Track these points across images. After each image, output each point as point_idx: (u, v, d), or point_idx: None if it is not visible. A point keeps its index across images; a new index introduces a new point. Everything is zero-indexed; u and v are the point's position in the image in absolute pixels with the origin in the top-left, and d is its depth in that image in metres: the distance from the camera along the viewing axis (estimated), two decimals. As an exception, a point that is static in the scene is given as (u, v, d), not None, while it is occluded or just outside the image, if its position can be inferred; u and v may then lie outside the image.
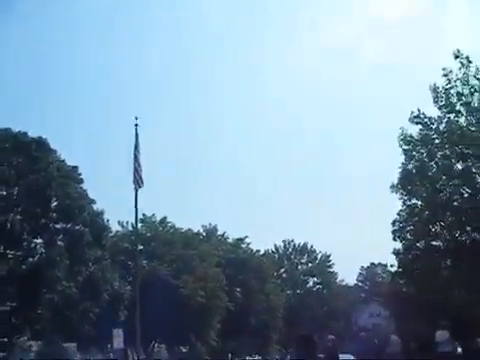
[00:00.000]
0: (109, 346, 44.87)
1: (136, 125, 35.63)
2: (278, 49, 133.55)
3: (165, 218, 65.39)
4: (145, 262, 59.42)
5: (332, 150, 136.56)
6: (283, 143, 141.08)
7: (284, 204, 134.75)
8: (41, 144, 44.18)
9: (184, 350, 67.95)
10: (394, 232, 43.54)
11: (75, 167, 45.78)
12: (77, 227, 43.15)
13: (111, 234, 50.28)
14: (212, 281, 61.72)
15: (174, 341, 63.11)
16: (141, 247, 64.35)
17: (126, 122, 41.48)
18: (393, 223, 45.95)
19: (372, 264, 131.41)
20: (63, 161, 45.23)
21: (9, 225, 42.45)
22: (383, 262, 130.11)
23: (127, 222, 63.19)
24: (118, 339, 34.81)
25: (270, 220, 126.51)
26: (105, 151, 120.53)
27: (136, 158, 35.96)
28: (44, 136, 44.88)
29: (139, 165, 35.98)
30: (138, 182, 35.61)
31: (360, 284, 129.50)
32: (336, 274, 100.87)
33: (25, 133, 44.34)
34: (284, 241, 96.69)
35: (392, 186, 38.63)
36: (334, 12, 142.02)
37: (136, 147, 35.87)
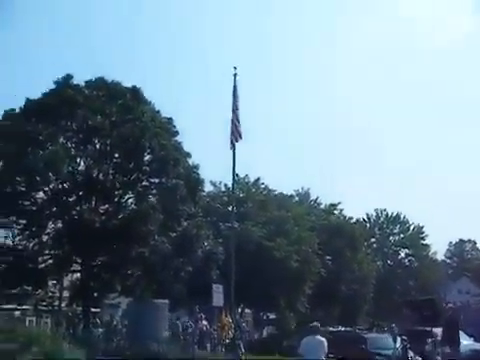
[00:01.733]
0: (197, 307, 42.13)
1: (235, 75, 32.58)
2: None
3: (258, 179, 62.28)
4: (237, 224, 56.62)
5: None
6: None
7: (378, 171, 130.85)
8: (135, 94, 41.32)
9: (271, 316, 64.96)
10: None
11: (170, 119, 42.81)
12: (172, 180, 40.04)
13: (203, 193, 47.02)
14: (306, 245, 58.31)
15: (263, 306, 60.19)
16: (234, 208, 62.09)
17: (225, 74, 37.92)
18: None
19: (461, 240, 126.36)
20: (158, 112, 42.29)
21: (102, 177, 39.96)
22: (472, 238, 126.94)
23: (220, 182, 60.56)
24: (218, 296, 31.63)
25: (363, 188, 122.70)
26: (202, 104, 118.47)
27: (234, 111, 32.86)
28: (138, 85, 42.03)
29: (237, 119, 32.84)
30: (235, 137, 32.52)
31: (448, 260, 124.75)
32: (429, 247, 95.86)
33: (119, 82, 41.57)
34: (376, 210, 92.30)
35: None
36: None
37: (234, 99, 32.75)
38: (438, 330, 30.74)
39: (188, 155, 42.64)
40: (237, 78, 32.01)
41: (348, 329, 57.64)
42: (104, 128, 38.97)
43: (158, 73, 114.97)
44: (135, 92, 41.27)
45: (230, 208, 61.99)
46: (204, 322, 42.29)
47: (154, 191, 41.15)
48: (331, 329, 69.26)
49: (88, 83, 40.86)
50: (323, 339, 17.92)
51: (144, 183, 41.39)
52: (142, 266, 39.35)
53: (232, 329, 37.32)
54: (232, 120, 32.76)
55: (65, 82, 39.94)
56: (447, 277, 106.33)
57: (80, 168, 40.00)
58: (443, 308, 38.20)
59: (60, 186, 39.17)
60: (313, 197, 74.78)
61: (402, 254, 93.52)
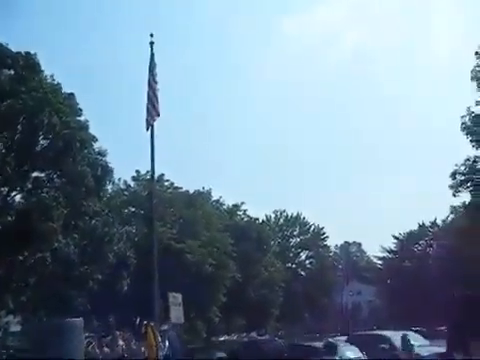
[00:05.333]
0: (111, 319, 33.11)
1: (151, 43, 24.99)
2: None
3: (162, 175, 53.47)
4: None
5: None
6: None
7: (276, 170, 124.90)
8: (28, 61, 31.91)
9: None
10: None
11: (71, 94, 33.55)
12: (77, 167, 30.87)
13: (109, 187, 38.03)
14: (220, 247, 50.26)
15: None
16: (133, 209, 53.32)
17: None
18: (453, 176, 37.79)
19: (346, 242, 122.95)
20: (58, 85, 32.91)
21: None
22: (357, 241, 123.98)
23: (119, 179, 51.19)
24: (177, 310, 22.86)
25: (261, 188, 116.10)
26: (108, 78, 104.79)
27: (150, 85, 25.19)
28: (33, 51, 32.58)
29: (155, 94, 25.17)
30: (152, 115, 24.82)
31: (335, 263, 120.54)
32: (329, 248, 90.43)
33: (6, 46, 31.98)
34: (275, 211, 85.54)
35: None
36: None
37: (151, 71, 25.08)
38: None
39: (94, 139, 33.55)
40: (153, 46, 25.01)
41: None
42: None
43: (53, 39, 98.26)
44: (29, 59, 31.83)
45: (132, 207, 54.21)
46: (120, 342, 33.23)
47: (55, 179, 31.64)
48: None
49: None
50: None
51: (39, 172, 31.92)
52: (39, 276, 30.03)
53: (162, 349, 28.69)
54: (148, 95, 25.22)
55: None
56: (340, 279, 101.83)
57: None
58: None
59: None
60: (215, 197, 66.62)
61: (303, 256, 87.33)
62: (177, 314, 22.33)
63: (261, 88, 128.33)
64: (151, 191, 31.43)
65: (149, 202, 48.94)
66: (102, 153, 33.83)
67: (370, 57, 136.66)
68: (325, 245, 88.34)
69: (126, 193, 52.61)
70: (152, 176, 28.74)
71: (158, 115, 25.28)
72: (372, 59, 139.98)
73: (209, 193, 64.28)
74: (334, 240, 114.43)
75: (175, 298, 22.81)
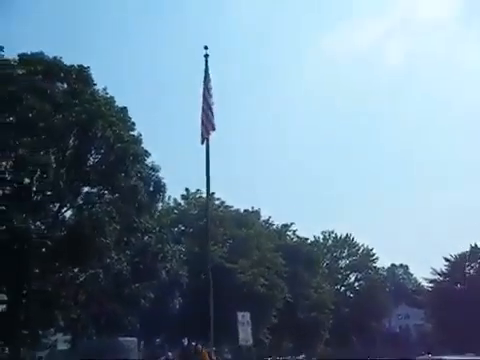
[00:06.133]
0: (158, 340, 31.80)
1: (206, 56, 23.77)
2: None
3: (213, 194, 52.21)
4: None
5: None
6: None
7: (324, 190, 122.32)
8: (81, 74, 31.02)
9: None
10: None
11: (124, 108, 32.52)
12: (131, 181, 29.68)
13: (160, 205, 36.78)
14: (272, 267, 48.72)
15: (221, 340, 49.92)
16: (183, 227, 52.14)
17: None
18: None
19: (393, 265, 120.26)
20: (111, 98, 31.89)
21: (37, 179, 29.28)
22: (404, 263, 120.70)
23: (169, 197, 50.16)
24: (245, 330, 21.38)
25: (309, 208, 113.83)
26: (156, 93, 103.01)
27: (205, 98, 23.99)
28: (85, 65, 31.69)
29: (209, 107, 23.98)
30: (207, 128, 23.59)
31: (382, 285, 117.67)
32: (379, 270, 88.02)
33: (60, 59, 31.14)
34: (323, 232, 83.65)
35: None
36: None
37: (206, 84, 23.88)
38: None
39: (147, 153, 32.42)
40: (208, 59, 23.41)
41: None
42: (44, 113, 28.38)
43: (105, 54, 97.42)
44: (82, 72, 30.96)
45: (181, 226, 53.03)
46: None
47: (107, 194, 30.47)
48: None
49: (22, 58, 30.18)
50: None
51: (91, 187, 30.78)
52: (90, 293, 28.84)
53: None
54: (203, 108, 23.92)
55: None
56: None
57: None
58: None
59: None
60: (264, 217, 65.10)
61: (352, 278, 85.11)
62: (245, 335, 20.84)
63: (309, 107, 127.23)
64: (206, 208, 29.91)
65: (201, 220, 48.39)
66: (155, 168, 32.73)
67: (416, 69, 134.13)
68: (374, 267, 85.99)
69: (176, 211, 51.62)
70: (208, 191, 26.90)
71: (213, 129, 24.02)
72: (418, 72, 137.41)
73: (258, 213, 62.92)
74: (381, 262, 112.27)
75: (243, 317, 21.32)
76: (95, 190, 31.12)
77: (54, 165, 28.82)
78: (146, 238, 31.27)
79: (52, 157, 29.02)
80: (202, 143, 23.73)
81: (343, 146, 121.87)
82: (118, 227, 27.98)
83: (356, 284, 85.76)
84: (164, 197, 34.24)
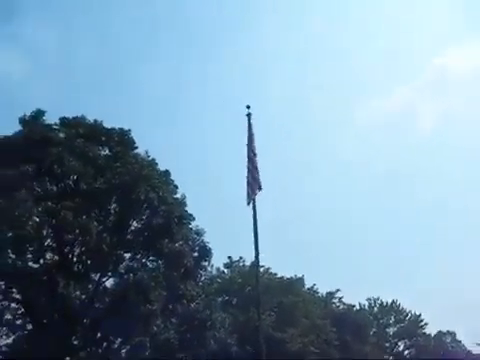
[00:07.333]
0: None
1: (248, 115, 22.25)
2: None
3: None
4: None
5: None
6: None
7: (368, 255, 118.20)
8: (123, 137, 30.08)
9: None
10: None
11: (166, 171, 31.29)
12: (175, 245, 28.08)
13: (206, 271, 34.90)
14: (322, 335, 46.15)
15: None
16: (227, 297, 50.05)
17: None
18: None
19: (439, 332, 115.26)
20: (153, 160, 30.73)
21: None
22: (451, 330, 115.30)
23: (211, 265, 48.16)
24: None
25: (353, 275, 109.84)
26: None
27: (250, 158, 22.31)
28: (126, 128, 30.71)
29: (255, 166, 22.26)
30: (254, 188, 21.83)
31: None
32: (430, 337, 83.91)
33: (101, 123, 30.27)
34: (368, 299, 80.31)
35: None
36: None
37: (249, 144, 22.27)
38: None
39: (191, 217, 30.90)
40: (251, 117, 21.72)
41: None
42: (87, 177, 27.23)
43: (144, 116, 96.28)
44: (123, 135, 29.95)
45: (225, 295, 50.94)
46: None
47: (151, 258, 28.87)
48: None
49: (64, 122, 29.33)
50: None
51: (134, 253, 29.25)
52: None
53: None
54: (248, 168, 22.20)
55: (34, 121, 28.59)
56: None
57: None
58: None
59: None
60: (308, 284, 62.72)
61: (401, 346, 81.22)
62: None
63: (350, 168, 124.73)
64: (257, 273, 27.81)
65: (245, 289, 46.41)
66: (199, 232, 31.15)
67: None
68: (424, 333, 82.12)
69: (219, 280, 49.74)
70: (256, 256, 24.57)
71: (260, 188, 22.35)
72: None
73: (302, 280, 60.69)
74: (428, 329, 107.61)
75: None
76: (138, 256, 29.64)
77: (97, 229, 27.51)
78: (193, 305, 29.33)
79: (95, 223, 27.70)
80: (248, 204, 22.25)
81: (390, 212, 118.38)
82: (165, 293, 26.22)
83: (406, 352, 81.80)
84: (210, 262, 32.37)
